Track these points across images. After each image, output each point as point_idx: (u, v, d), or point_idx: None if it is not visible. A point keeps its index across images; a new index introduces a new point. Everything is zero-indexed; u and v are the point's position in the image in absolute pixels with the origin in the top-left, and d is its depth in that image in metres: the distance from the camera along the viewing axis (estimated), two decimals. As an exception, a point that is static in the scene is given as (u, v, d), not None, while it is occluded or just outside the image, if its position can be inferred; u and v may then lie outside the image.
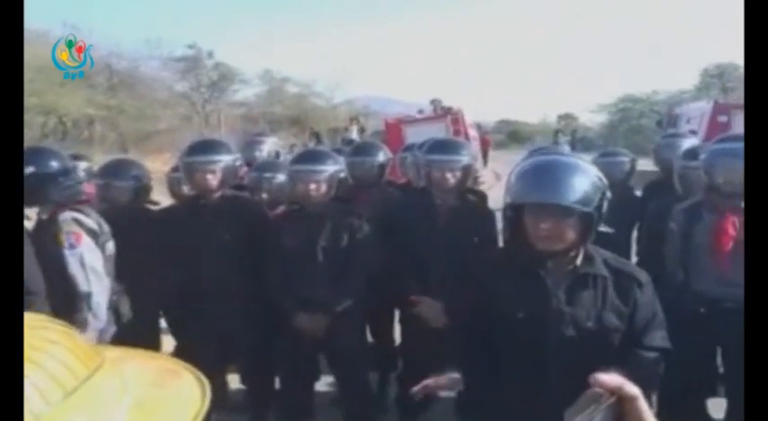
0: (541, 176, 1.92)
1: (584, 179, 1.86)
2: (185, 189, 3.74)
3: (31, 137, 18.32)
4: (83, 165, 4.72)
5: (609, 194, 1.93)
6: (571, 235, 1.88)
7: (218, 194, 3.34)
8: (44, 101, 16.52)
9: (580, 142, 28.65)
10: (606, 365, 1.76)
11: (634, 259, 4.03)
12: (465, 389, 2.17)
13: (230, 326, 3.33)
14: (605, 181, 1.94)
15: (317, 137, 16.31)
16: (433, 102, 13.60)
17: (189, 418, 0.68)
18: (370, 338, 3.97)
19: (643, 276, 2.03)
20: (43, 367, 0.58)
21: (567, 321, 1.92)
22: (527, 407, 1.93)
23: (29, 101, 16.19)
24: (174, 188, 4.10)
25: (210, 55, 25.46)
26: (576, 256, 1.96)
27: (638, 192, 4.47)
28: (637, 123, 33.10)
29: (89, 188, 3.74)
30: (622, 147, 5.62)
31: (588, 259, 1.97)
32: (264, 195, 3.85)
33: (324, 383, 3.84)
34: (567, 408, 0.75)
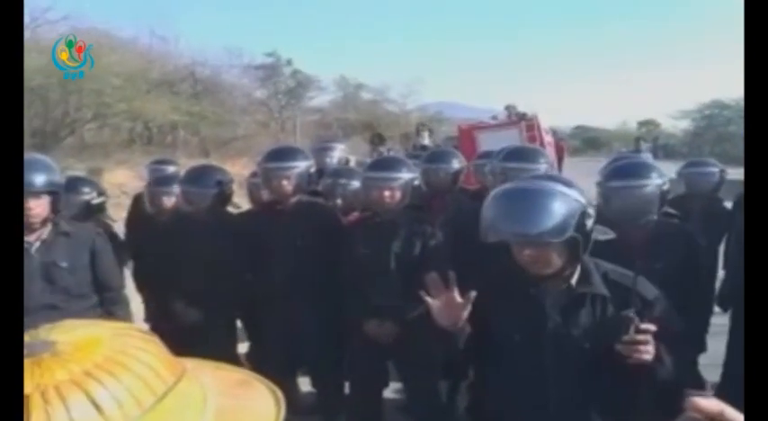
0: (513, 207, 1.87)
1: (558, 205, 1.79)
2: (264, 194, 3.84)
3: (120, 140, 19.38)
4: (171, 168, 4.94)
5: (591, 212, 1.86)
6: (557, 259, 1.84)
7: (294, 199, 3.40)
8: (132, 107, 17.34)
9: (662, 149, 27.56)
10: (604, 385, 1.72)
11: (721, 272, 3.85)
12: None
13: (302, 330, 3.39)
14: (583, 200, 1.85)
15: (379, 138, 16.44)
16: (508, 107, 13.37)
17: None
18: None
19: (646, 288, 1.92)
20: (135, 372, 0.59)
21: (562, 342, 1.88)
22: None
23: (117, 107, 17.09)
24: (253, 193, 4.20)
25: (289, 63, 26.04)
26: (571, 275, 1.90)
27: (728, 203, 4.26)
28: (725, 130, 31.39)
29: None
30: (708, 155, 5.38)
31: (585, 276, 1.91)
32: (339, 201, 3.89)
33: (392, 390, 3.83)
34: None
